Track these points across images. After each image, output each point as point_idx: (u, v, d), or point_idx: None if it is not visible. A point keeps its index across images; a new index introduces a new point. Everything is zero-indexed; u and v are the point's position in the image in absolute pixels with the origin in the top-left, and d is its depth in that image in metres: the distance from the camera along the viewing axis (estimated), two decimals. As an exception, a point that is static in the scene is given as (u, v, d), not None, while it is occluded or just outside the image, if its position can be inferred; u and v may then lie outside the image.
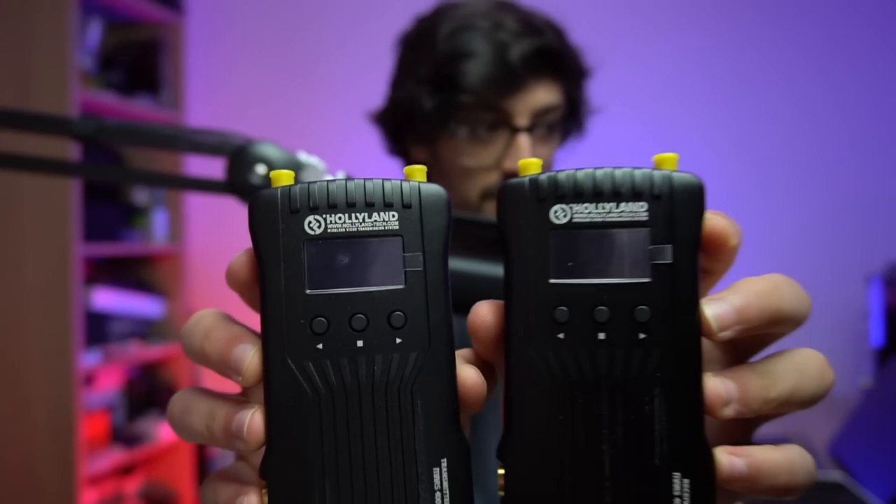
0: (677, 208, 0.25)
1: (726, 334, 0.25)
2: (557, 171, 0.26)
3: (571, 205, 0.25)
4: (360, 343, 0.25)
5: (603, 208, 0.25)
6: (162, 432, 2.14)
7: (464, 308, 0.59)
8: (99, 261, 2.19)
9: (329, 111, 2.28)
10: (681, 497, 0.25)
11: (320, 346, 0.25)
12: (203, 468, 2.32)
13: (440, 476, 0.26)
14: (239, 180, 0.51)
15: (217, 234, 2.33)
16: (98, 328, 1.99)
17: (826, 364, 0.27)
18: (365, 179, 0.26)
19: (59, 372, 1.83)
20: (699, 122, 2.05)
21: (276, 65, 2.36)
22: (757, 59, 2.02)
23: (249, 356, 0.26)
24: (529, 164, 0.27)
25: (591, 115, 0.80)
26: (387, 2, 1.95)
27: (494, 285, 0.56)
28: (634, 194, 0.25)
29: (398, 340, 0.26)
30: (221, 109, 2.41)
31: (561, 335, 0.25)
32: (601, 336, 0.25)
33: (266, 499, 0.26)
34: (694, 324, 0.25)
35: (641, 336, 0.25)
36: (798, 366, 0.26)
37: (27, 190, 1.83)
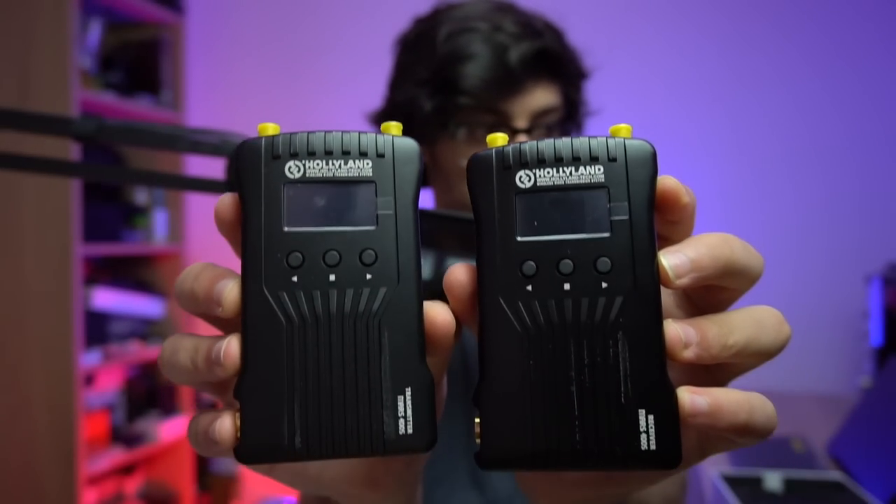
0: (632, 169, 0.28)
1: (682, 282, 0.27)
2: (521, 143, 0.29)
3: (535, 170, 0.28)
4: (332, 277, 0.27)
5: (564, 172, 0.28)
6: (162, 432, 2.14)
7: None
8: (99, 261, 2.20)
9: (329, 111, 2.28)
10: (647, 432, 0.26)
11: (295, 278, 0.27)
12: (203, 468, 2.32)
13: (404, 404, 0.28)
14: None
15: (217, 234, 2.31)
16: (98, 328, 1.99)
17: (782, 319, 0.29)
18: (342, 131, 0.28)
19: (59, 372, 1.83)
20: (698, 123, 2.05)
21: (275, 65, 2.36)
22: (757, 60, 2.03)
23: (229, 287, 0.28)
24: (496, 137, 0.29)
25: (589, 116, 0.80)
26: (386, 2, 1.95)
27: None
28: (592, 158, 0.28)
29: (368, 276, 0.28)
30: (221, 109, 2.41)
31: (529, 287, 0.28)
32: (566, 286, 0.27)
33: (238, 420, 0.27)
34: (651, 272, 0.27)
35: (604, 285, 0.27)
36: (755, 318, 0.28)
37: (27, 190, 1.83)
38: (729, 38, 2.04)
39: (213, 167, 0.56)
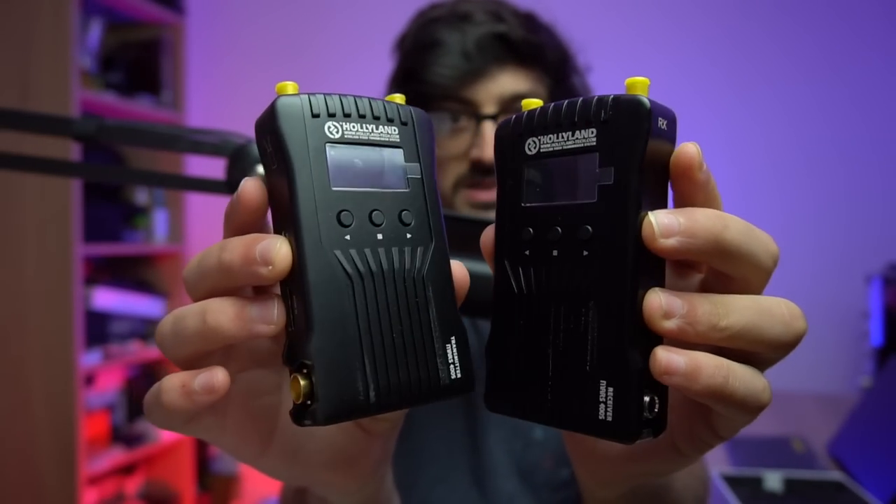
0: (620, 131, 0.26)
1: (668, 243, 0.25)
2: (531, 109, 0.29)
3: (540, 136, 0.29)
4: (379, 236, 0.28)
5: (562, 137, 0.28)
6: (162, 432, 2.14)
7: (466, 308, 0.59)
8: (99, 261, 2.20)
9: (329, 111, 2.28)
10: (605, 403, 0.27)
11: (348, 237, 0.28)
12: (203, 468, 2.32)
13: (452, 351, 0.29)
14: (239, 180, 0.51)
15: (217, 234, 2.31)
16: (98, 328, 1.99)
17: (796, 313, 0.28)
18: (369, 97, 0.29)
19: (59, 372, 1.83)
20: (701, 120, 2.05)
21: (276, 65, 2.36)
22: (761, 57, 2.03)
23: (278, 245, 0.26)
24: (531, 103, 0.30)
25: None
26: (387, 3, 1.95)
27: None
28: (585, 122, 0.27)
29: (408, 236, 0.29)
30: (221, 109, 2.41)
31: (527, 252, 0.29)
32: (555, 253, 0.28)
33: (307, 379, 0.27)
34: (628, 241, 0.26)
35: (584, 253, 0.27)
36: (762, 306, 0.27)
37: (28, 190, 1.83)
38: (737, 35, 2.04)
39: (213, 167, 0.56)
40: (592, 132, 0.27)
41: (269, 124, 0.27)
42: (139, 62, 2.21)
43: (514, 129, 0.29)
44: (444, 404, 0.74)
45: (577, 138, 0.27)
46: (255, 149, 0.51)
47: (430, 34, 0.71)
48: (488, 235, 0.31)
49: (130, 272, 2.25)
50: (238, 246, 0.27)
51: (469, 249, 0.54)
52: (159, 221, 2.21)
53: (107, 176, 0.53)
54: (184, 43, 2.28)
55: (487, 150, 0.68)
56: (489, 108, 0.69)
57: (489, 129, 0.69)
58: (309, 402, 0.27)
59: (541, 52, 0.71)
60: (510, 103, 0.70)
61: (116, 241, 2.06)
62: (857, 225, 1.96)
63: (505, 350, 0.30)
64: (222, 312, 0.27)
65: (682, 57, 2.06)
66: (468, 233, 0.57)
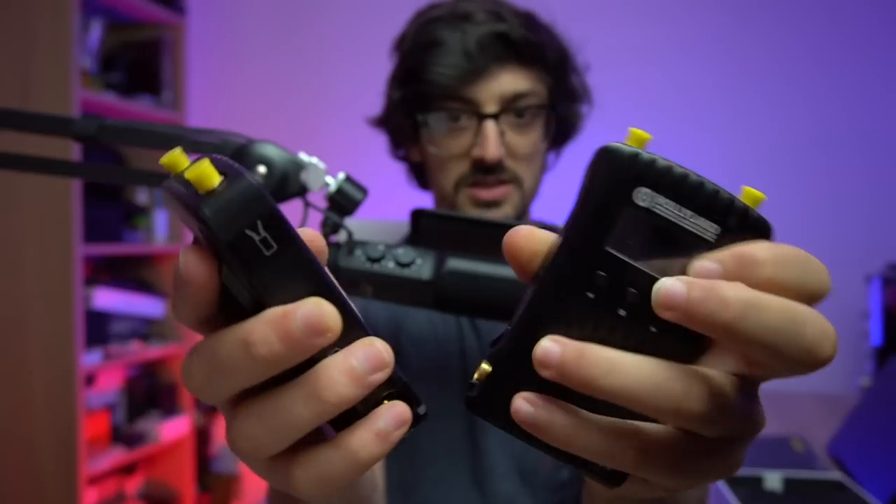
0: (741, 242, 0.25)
1: (666, 315, 0.24)
2: (660, 157, 0.26)
3: (657, 194, 0.26)
4: (622, 312, 0.26)
5: (681, 212, 0.26)
6: (163, 432, 2.14)
7: (467, 308, 0.58)
8: (100, 261, 2.20)
9: (329, 112, 2.28)
10: None
11: (591, 294, 0.26)
12: (203, 468, 2.32)
13: None
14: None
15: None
16: (99, 328, 1.99)
17: (828, 333, 0.26)
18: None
19: (60, 372, 1.83)
20: (700, 119, 2.05)
21: (276, 65, 2.36)
22: (759, 56, 2.03)
23: (324, 305, 0.24)
24: (636, 132, 0.27)
25: (581, 105, 0.79)
26: (387, 3, 1.95)
27: (497, 285, 0.56)
28: (713, 213, 0.26)
29: (653, 329, 0.26)
30: (221, 110, 2.41)
31: (591, 294, 0.26)
32: (621, 313, 0.26)
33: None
34: (690, 348, 0.26)
35: (652, 329, 0.26)
36: (794, 312, 0.25)
37: (28, 190, 1.83)
38: (735, 32, 2.04)
39: (213, 167, 0.55)
40: (716, 229, 0.26)
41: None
42: (139, 62, 2.21)
43: (631, 164, 0.26)
44: (445, 405, 0.74)
45: (697, 224, 0.26)
46: (255, 149, 0.51)
47: (430, 34, 0.71)
48: (529, 238, 0.27)
49: (131, 272, 2.25)
50: (298, 319, 0.23)
51: (471, 249, 0.54)
52: (159, 221, 2.21)
53: (107, 176, 0.53)
54: (184, 43, 2.28)
55: (489, 149, 0.68)
56: (490, 108, 0.70)
57: (490, 128, 0.69)
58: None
59: (541, 51, 0.71)
60: (511, 102, 0.70)
61: (116, 241, 2.06)
62: (856, 225, 1.96)
63: (513, 365, 0.27)
64: (269, 343, 0.23)
65: (675, 57, 2.06)
66: (471, 233, 0.57)
